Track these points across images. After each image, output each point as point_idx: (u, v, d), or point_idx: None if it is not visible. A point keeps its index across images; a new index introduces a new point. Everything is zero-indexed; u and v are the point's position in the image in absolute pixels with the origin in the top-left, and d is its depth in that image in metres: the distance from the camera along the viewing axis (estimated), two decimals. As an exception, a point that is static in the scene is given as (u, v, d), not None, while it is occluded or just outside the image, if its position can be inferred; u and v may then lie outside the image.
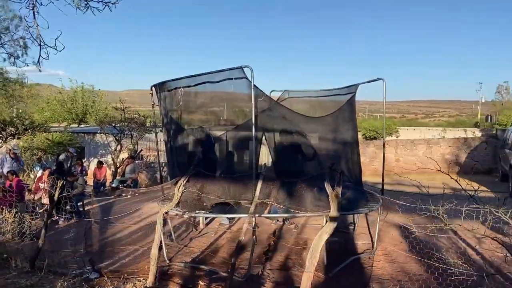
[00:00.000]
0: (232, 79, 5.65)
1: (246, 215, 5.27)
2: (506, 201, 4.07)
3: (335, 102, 7.45)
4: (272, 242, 6.99)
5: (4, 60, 18.82)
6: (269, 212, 6.55)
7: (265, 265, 5.95)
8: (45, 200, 9.47)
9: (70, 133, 17.25)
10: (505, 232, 4.63)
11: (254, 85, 5.39)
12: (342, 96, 7.33)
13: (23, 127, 15.20)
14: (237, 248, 5.18)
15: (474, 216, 3.41)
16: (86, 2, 4.63)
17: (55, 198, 5.73)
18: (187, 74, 6.00)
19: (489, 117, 40.60)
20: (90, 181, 13.56)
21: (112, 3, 4.70)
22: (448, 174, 3.86)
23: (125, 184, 13.42)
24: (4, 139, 14.15)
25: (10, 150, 12.35)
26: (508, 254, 4.39)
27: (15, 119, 15.73)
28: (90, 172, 15.93)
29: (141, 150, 17.17)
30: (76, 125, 24.63)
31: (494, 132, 19.19)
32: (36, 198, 9.75)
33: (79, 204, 9.70)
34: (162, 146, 18.31)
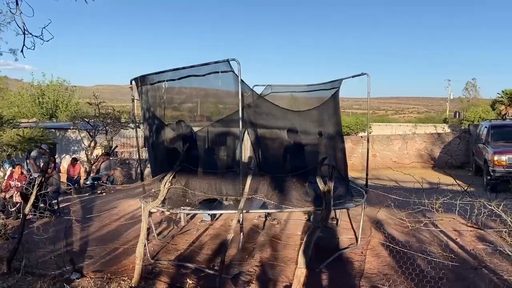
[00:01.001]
0: (218, 72, 5.54)
1: (235, 211, 5.18)
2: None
3: (319, 97, 7.42)
4: (261, 238, 6.93)
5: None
6: (251, 207, 6.48)
7: (251, 262, 5.88)
8: (17, 198, 9.11)
9: (42, 129, 16.67)
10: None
11: (241, 80, 5.31)
12: (326, 91, 7.31)
13: (-9, 122, 14.59)
14: (225, 244, 5.08)
15: (469, 210, 3.44)
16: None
17: (33, 195, 5.47)
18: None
19: (457, 113, 41.84)
20: (63, 178, 13.15)
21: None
22: (447, 173, 3.88)
23: (99, 182, 13.11)
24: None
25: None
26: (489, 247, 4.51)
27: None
28: (63, 168, 15.47)
29: (116, 146, 16.79)
30: (47, 121, 23.86)
31: (466, 127, 19.79)
32: (7, 196, 9.37)
33: (53, 201, 9.37)
34: (136, 142, 18.01)
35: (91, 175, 13.94)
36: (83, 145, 17.39)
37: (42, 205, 8.60)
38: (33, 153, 12.96)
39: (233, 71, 5.36)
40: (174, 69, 5.80)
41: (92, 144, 15.42)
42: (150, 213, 5.65)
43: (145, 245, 5.28)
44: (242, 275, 5.40)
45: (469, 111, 37.23)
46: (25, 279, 5.18)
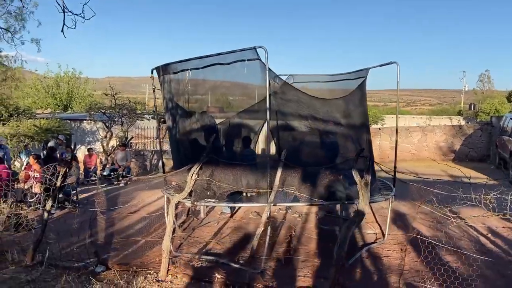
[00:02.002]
0: (244, 60, 5.34)
1: (265, 205, 5.00)
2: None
3: (343, 89, 7.18)
4: (284, 232, 6.78)
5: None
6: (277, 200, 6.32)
7: (276, 256, 5.73)
8: (37, 189, 9.05)
9: (59, 120, 16.67)
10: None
11: (269, 68, 5.12)
12: (351, 81, 7.07)
13: (8, 113, 14.59)
14: (253, 239, 4.93)
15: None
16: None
17: (57, 186, 5.36)
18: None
19: (472, 105, 41.19)
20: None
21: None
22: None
23: (116, 173, 13.07)
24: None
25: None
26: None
27: (-2, 105, 15.09)
28: (79, 159, 15.46)
29: (132, 137, 16.73)
30: (62, 112, 23.91)
31: (482, 119, 19.34)
32: (26, 187, 9.32)
33: (73, 192, 9.32)
34: (150, 133, 17.89)
35: (108, 166, 13.90)
36: (98, 136, 17.37)
37: (60, 195, 8.56)
38: (51, 143, 12.95)
39: (259, 59, 5.17)
40: (199, 57, 5.62)
41: (108, 135, 15.37)
42: (176, 206, 5.51)
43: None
44: (268, 269, 5.25)
45: (485, 103, 36.65)
46: (49, 271, 5.07)
